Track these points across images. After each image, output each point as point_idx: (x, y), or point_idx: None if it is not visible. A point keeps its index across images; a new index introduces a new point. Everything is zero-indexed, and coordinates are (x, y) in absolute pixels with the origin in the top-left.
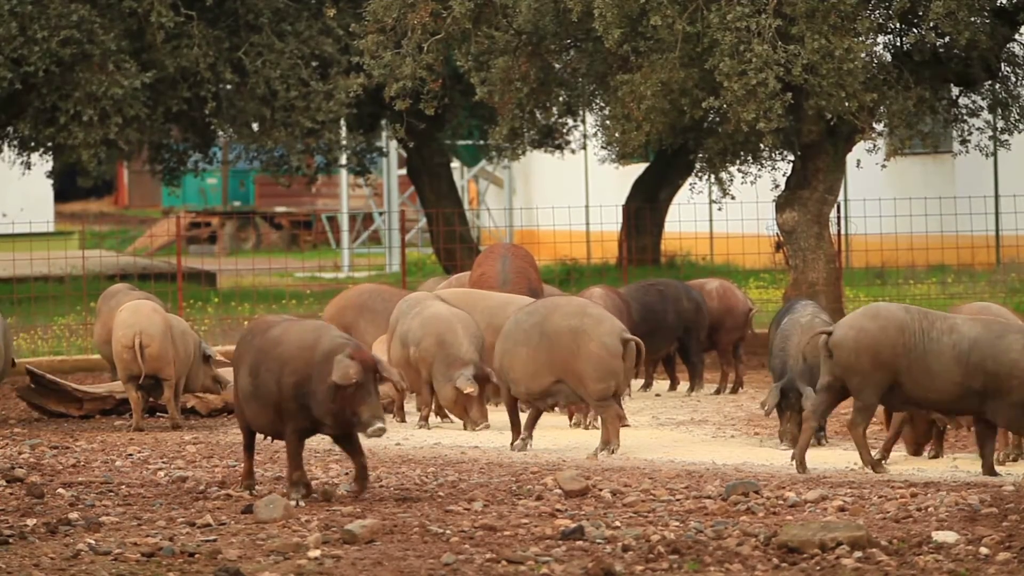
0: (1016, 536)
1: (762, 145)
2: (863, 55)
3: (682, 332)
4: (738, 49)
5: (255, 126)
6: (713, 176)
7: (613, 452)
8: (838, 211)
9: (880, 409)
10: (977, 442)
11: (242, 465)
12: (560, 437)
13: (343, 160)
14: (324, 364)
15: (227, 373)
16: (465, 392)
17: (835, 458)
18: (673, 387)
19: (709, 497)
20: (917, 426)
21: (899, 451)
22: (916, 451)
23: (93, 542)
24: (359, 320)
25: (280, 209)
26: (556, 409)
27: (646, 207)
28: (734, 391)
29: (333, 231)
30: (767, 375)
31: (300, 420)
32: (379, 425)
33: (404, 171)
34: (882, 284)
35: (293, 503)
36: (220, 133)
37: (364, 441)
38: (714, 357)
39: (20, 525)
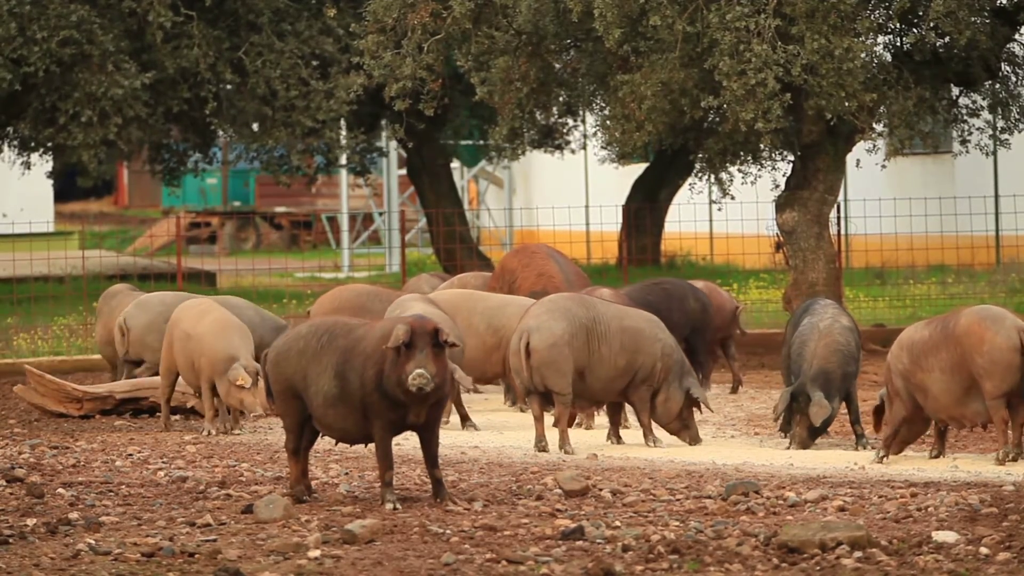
0: (1016, 536)
1: (762, 145)
2: (863, 55)
3: (688, 332)
4: (738, 49)
5: (255, 126)
6: (713, 176)
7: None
8: (838, 211)
9: (870, 408)
10: None
11: (288, 469)
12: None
13: (343, 160)
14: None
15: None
16: None
17: (835, 458)
18: None
19: (709, 497)
20: (914, 426)
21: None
22: (900, 450)
23: (93, 542)
24: None
25: (280, 209)
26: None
27: (646, 207)
28: (734, 391)
29: (333, 231)
30: (767, 375)
31: (387, 413)
32: (419, 371)
33: (404, 171)
34: (882, 284)
35: (389, 506)
36: (220, 133)
37: (369, 443)
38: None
39: (20, 525)
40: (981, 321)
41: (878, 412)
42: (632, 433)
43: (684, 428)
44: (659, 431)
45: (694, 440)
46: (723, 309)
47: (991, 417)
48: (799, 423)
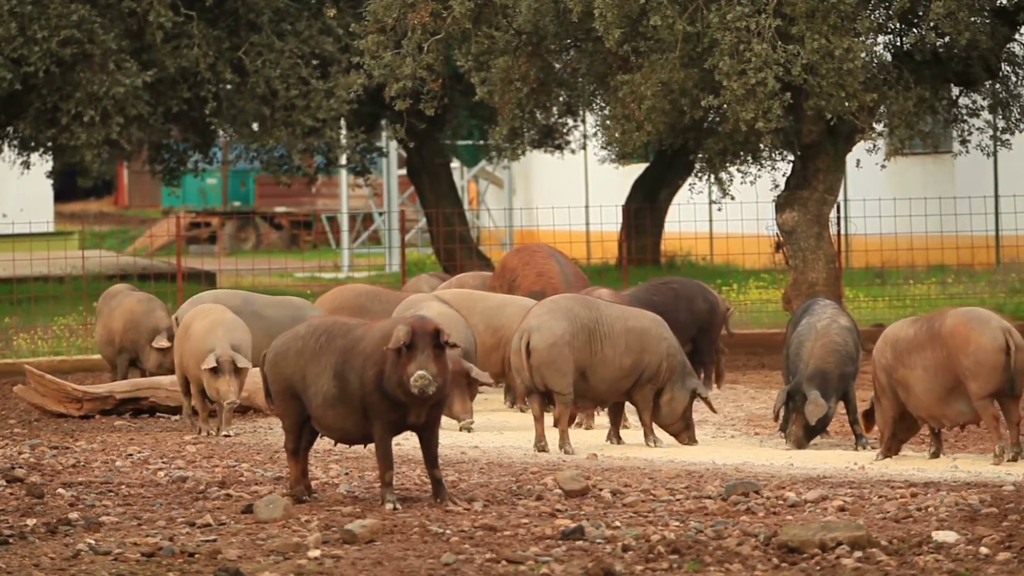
0: (1016, 536)
1: (762, 145)
2: (863, 55)
3: (695, 332)
4: (738, 49)
5: (255, 126)
6: (713, 176)
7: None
8: (838, 211)
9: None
10: None
11: (287, 468)
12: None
13: (343, 160)
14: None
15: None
16: None
17: (835, 458)
18: None
19: (709, 497)
20: (906, 422)
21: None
22: (897, 449)
23: (93, 542)
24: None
25: (280, 209)
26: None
27: (646, 207)
28: (718, 386)
29: (333, 231)
30: (767, 375)
31: (387, 413)
32: (420, 372)
33: (404, 171)
34: (882, 284)
35: (389, 506)
36: (220, 133)
37: (368, 443)
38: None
39: (20, 525)
40: (967, 322)
41: (868, 415)
42: (632, 433)
43: (686, 429)
44: (659, 431)
45: (692, 440)
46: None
47: (973, 418)
48: (795, 422)
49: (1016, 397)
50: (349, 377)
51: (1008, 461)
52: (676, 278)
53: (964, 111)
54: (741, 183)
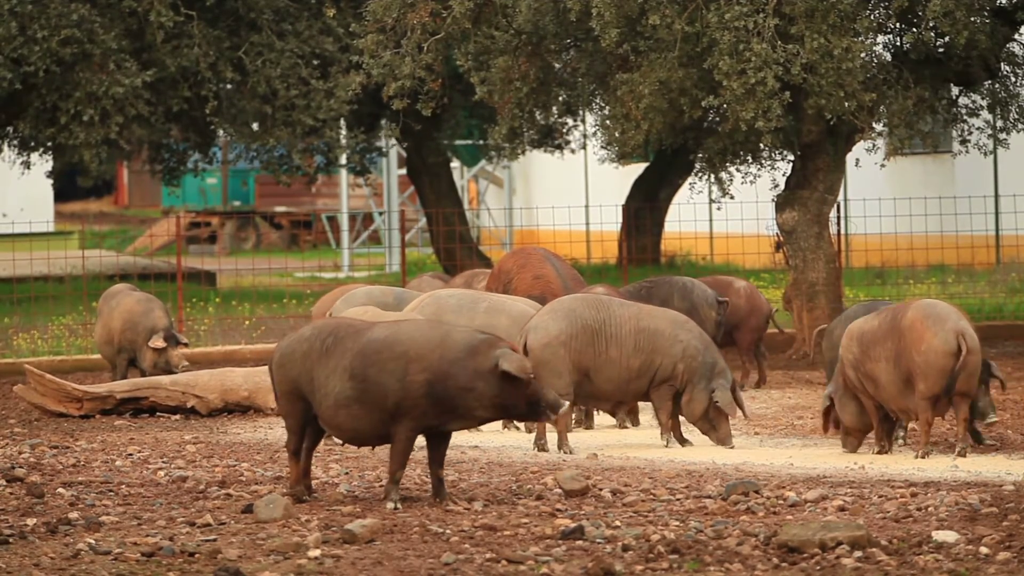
0: (1016, 536)
1: (762, 145)
2: (862, 55)
3: None
4: (737, 48)
5: (255, 125)
6: (713, 176)
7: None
8: (838, 211)
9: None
10: None
11: (288, 469)
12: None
13: (343, 160)
14: (469, 358)
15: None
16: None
17: (835, 458)
18: None
19: (709, 497)
20: (882, 423)
21: (897, 450)
22: (854, 447)
23: (93, 542)
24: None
25: (280, 209)
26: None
27: (646, 207)
28: (758, 387)
29: (333, 231)
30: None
31: (427, 418)
32: (567, 404)
33: (404, 171)
34: (882, 284)
35: (391, 505)
36: (220, 132)
37: (378, 445)
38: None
39: (20, 525)
40: (924, 319)
41: (828, 413)
42: (632, 433)
43: (712, 429)
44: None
45: (722, 441)
46: (760, 311)
47: (940, 412)
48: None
49: (966, 396)
50: (379, 379)
51: (958, 456)
52: (662, 278)
53: (964, 111)
54: (741, 183)
